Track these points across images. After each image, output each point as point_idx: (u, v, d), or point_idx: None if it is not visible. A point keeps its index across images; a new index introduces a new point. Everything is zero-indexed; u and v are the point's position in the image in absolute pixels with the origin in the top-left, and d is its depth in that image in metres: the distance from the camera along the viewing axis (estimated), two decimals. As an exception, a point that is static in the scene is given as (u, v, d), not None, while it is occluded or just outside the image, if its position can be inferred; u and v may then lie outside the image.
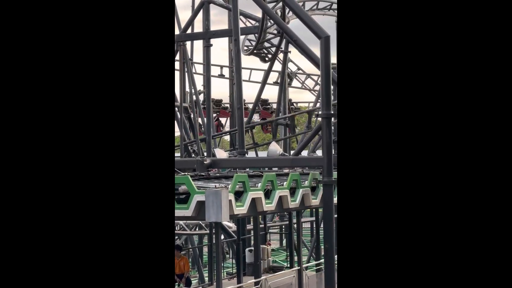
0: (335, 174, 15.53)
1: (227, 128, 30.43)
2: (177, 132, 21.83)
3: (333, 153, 15.72)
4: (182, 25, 22.07)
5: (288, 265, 18.16)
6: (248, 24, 26.97)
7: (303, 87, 38.20)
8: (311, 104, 31.88)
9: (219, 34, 21.52)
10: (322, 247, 16.34)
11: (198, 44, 19.33)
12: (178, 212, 11.97)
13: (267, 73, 26.30)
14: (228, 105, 31.44)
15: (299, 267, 16.09)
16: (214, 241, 17.72)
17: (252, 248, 17.18)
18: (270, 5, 24.47)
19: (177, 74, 18.91)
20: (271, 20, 21.63)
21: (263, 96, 28.36)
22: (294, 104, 32.55)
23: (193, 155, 20.97)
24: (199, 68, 26.50)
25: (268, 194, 14.43)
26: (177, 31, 21.30)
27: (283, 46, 24.83)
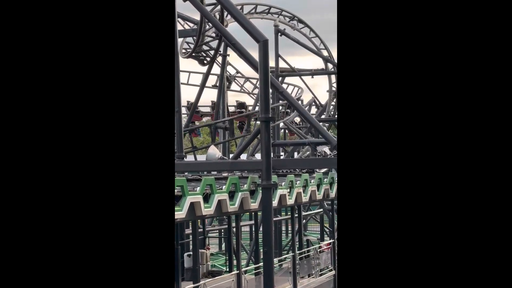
0: (274, 178, 15.56)
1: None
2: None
3: (271, 156, 15.75)
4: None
5: (227, 269, 18.10)
6: (186, 27, 26.81)
7: (242, 90, 38.27)
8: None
9: (157, 36, 21.28)
10: (261, 250, 16.34)
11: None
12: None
13: (206, 76, 26.21)
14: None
15: (238, 271, 16.05)
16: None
17: (191, 252, 17.06)
18: (208, 8, 24.38)
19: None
20: (209, 23, 21.57)
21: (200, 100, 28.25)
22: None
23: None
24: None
25: (207, 198, 14.35)
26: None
27: (221, 49, 24.82)
